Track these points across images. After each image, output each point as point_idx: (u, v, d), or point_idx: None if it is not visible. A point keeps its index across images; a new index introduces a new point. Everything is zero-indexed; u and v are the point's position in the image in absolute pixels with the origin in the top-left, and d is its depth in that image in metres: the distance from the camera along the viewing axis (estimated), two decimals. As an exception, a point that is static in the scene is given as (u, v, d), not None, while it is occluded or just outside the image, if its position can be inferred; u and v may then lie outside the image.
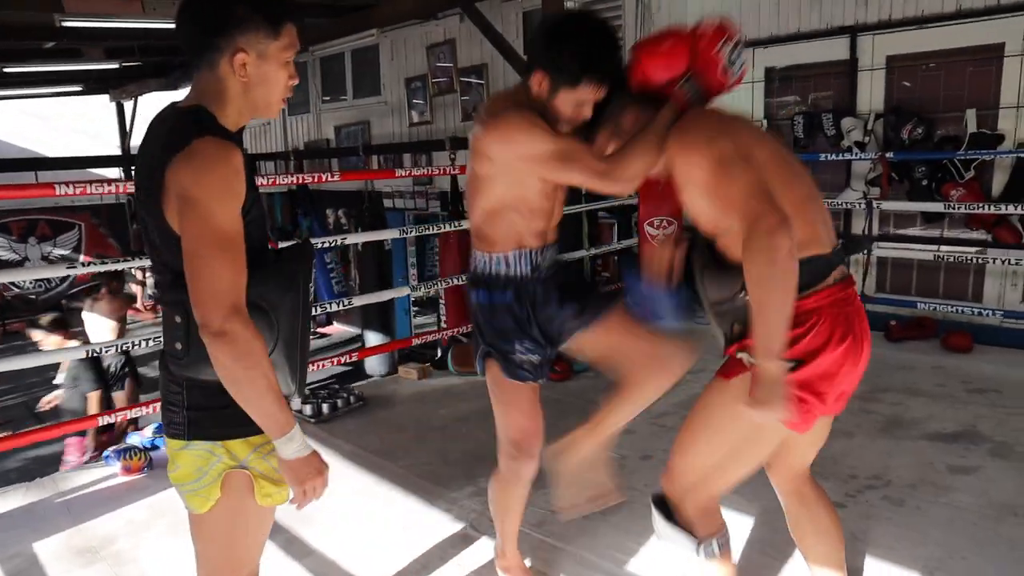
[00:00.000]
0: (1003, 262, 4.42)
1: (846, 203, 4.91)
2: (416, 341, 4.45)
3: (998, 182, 4.55)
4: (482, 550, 2.39)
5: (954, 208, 4.50)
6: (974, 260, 4.59)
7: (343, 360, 3.77)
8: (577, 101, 1.71)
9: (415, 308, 9.47)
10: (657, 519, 1.71)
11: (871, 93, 4.90)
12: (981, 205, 4.41)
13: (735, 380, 1.54)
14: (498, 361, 1.92)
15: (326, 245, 4.11)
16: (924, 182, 4.69)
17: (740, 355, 1.53)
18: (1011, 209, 4.30)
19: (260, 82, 1.31)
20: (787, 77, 5.31)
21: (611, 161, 1.70)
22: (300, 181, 4.65)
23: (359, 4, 6.81)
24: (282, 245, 1.62)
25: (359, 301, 4.41)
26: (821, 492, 1.82)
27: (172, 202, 1.24)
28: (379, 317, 8.22)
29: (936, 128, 4.69)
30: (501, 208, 1.83)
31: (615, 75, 1.72)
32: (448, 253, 6.07)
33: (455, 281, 4.47)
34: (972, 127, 4.54)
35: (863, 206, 4.85)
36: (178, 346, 1.32)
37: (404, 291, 4.55)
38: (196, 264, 1.22)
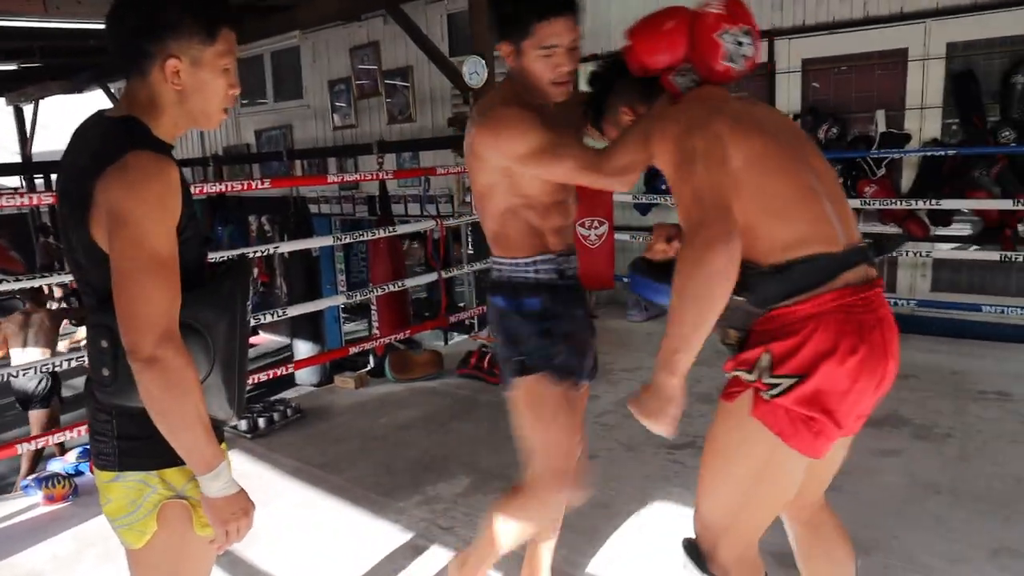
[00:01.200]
0: (914, 254, 4.67)
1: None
2: (353, 350, 4.36)
3: (907, 179, 4.81)
4: (433, 560, 2.36)
5: (868, 204, 4.73)
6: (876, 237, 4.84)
7: (279, 373, 3.66)
8: (541, 48, 1.59)
9: (344, 315, 9.32)
10: (688, 568, 1.51)
11: (788, 95, 5.10)
12: (893, 200, 4.65)
13: (737, 402, 1.40)
14: (542, 369, 1.73)
15: (256, 254, 3.97)
16: (840, 180, 4.91)
17: (737, 373, 1.39)
18: (919, 204, 4.55)
19: (196, 90, 1.23)
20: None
21: (600, 155, 1.60)
22: (228, 189, 4.50)
23: (280, 5, 6.64)
24: (216, 260, 1.53)
25: (295, 311, 4.28)
26: (836, 521, 1.65)
27: (101, 218, 1.15)
28: (309, 326, 8.03)
29: (849, 128, 4.93)
30: (514, 208, 1.73)
31: (571, 2, 1.61)
32: (379, 259, 5.99)
33: (388, 288, 4.40)
34: (882, 127, 4.79)
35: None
36: (105, 372, 1.23)
37: (339, 299, 4.44)
38: (126, 286, 1.14)
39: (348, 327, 9.06)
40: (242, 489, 1.27)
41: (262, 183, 3.71)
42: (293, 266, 8.23)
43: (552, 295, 1.76)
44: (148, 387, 1.15)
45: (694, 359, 1.28)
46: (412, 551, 2.43)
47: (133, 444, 1.25)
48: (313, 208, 8.65)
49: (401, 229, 4.81)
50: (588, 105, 1.71)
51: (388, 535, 2.53)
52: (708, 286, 1.23)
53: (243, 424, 3.46)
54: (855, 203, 4.79)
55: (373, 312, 6.48)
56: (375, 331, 6.07)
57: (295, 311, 4.20)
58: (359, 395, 4.01)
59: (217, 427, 1.30)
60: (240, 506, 1.26)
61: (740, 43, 1.46)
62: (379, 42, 7.59)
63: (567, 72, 1.64)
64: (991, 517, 2.44)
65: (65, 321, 5.62)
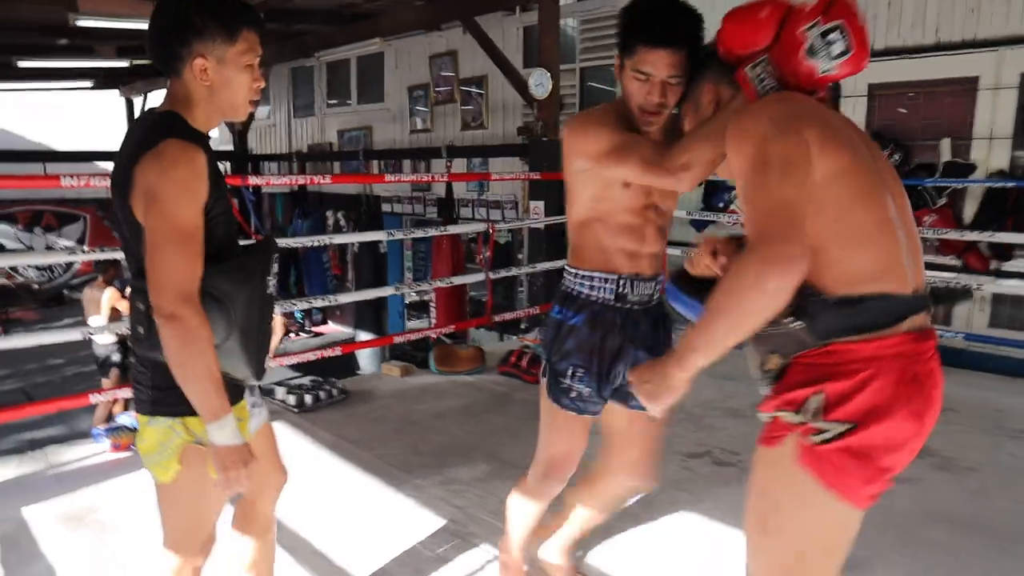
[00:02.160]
0: (975, 287, 4.57)
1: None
2: (398, 339, 4.60)
3: (969, 210, 4.71)
4: (440, 534, 2.54)
5: (927, 234, 4.66)
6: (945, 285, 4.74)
7: (324, 354, 3.92)
8: (637, 71, 1.58)
9: (412, 312, 9.65)
10: None
11: (853, 119, 5.06)
12: (952, 231, 4.57)
13: (780, 448, 1.28)
14: (548, 379, 1.84)
15: (319, 245, 4.27)
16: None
17: (780, 414, 1.27)
18: (978, 235, 4.45)
19: (222, 86, 1.40)
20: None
21: (668, 152, 1.55)
22: (293, 183, 4.82)
23: (363, 12, 7.02)
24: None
25: (345, 299, 4.55)
26: None
27: (139, 197, 1.34)
28: (372, 318, 8.43)
29: (913, 155, 4.86)
30: (588, 220, 1.76)
31: (675, 33, 1.56)
32: (440, 257, 6.26)
33: (434, 284, 4.61)
34: (946, 156, 4.71)
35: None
36: (140, 330, 1.43)
37: (389, 290, 4.67)
38: (154, 254, 1.33)
39: (413, 324, 9.40)
40: (246, 443, 1.43)
41: (323, 178, 3.97)
42: (362, 260, 8.63)
43: (599, 316, 1.77)
44: (167, 341, 1.34)
45: (708, 364, 1.23)
46: (423, 524, 2.62)
47: (164, 393, 1.44)
48: (387, 207, 9.05)
49: (452, 229, 5.03)
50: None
51: (404, 508, 2.72)
52: (753, 303, 1.14)
53: (292, 399, 3.74)
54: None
55: (432, 308, 6.77)
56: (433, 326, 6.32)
57: (346, 298, 4.46)
58: (403, 383, 4.24)
59: (236, 386, 1.50)
60: (240, 456, 1.41)
61: (829, 41, 1.31)
62: (457, 51, 7.89)
63: (656, 103, 1.61)
64: (1002, 552, 2.42)
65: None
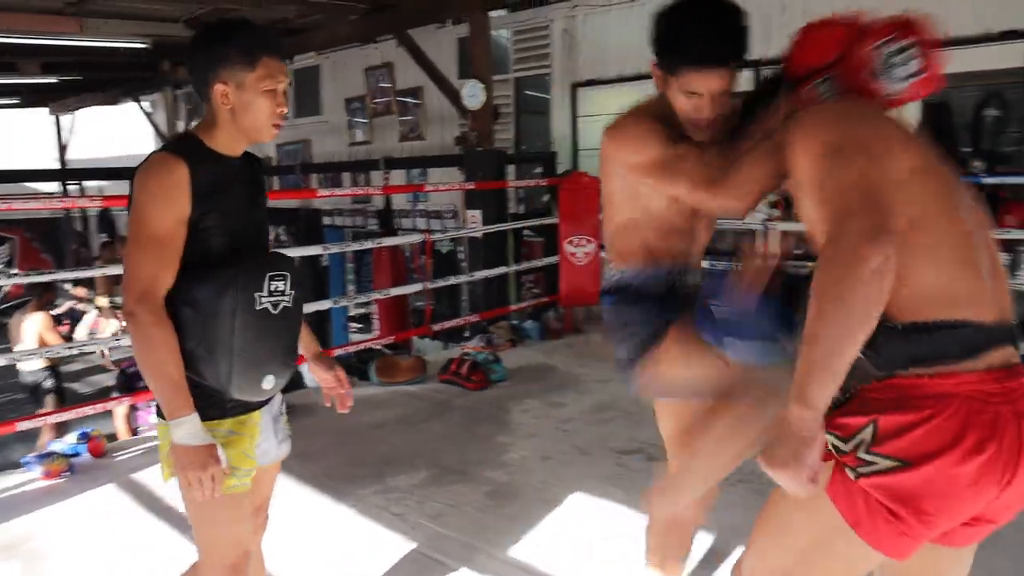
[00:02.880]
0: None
1: (748, 224, 5.27)
2: (338, 352, 4.60)
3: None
4: (378, 541, 2.57)
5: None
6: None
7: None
8: (685, 91, 1.52)
9: (357, 325, 9.60)
10: None
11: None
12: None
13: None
14: (686, 319, 1.60)
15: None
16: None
17: (827, 437, 1.12)
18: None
19: (243, 109, 1.46)
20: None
21: (721, 171, 1.46)
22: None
23: (299, 28, 7.01)
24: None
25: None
26: None
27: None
28: (315, 332, 8.34)
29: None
30: (633, 224, 1.70)
31: (725, 55, 1.50)
32: (381, 268, 6.26)
33: (373, 296, 4.63)
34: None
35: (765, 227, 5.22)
36: None
37: (327, 303, 4.66)
38: (125, 256, 1.43)
39: (357, 336, 9.35)
40: (209, 445, 1.43)
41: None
42: (303, 275, 8.55)
43: (661, 299, 1.69)
44: (132, 339, 1.42)
45: (834, 384, 1.04)
46: (362, 533, 2.65)
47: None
48: (328, 220, 9.00)
49: (388, 241, 5.07)
50: (746, 105, 1.51)
51: (343, 518, 2.75)
52: (857, 292, 0.98)
53: (231, 417, 3.72)
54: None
55: (375, 320, 6.77)
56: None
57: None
58: (344, 395, 4.25)
59: (215, 395, 1.47)
60: (199, 459, 1.41)
61: (901, 61, 1.23)
62: (393, 63, 7.93)
63: (706, 118, 1.55)
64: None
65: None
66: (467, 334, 5.37)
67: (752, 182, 1.42)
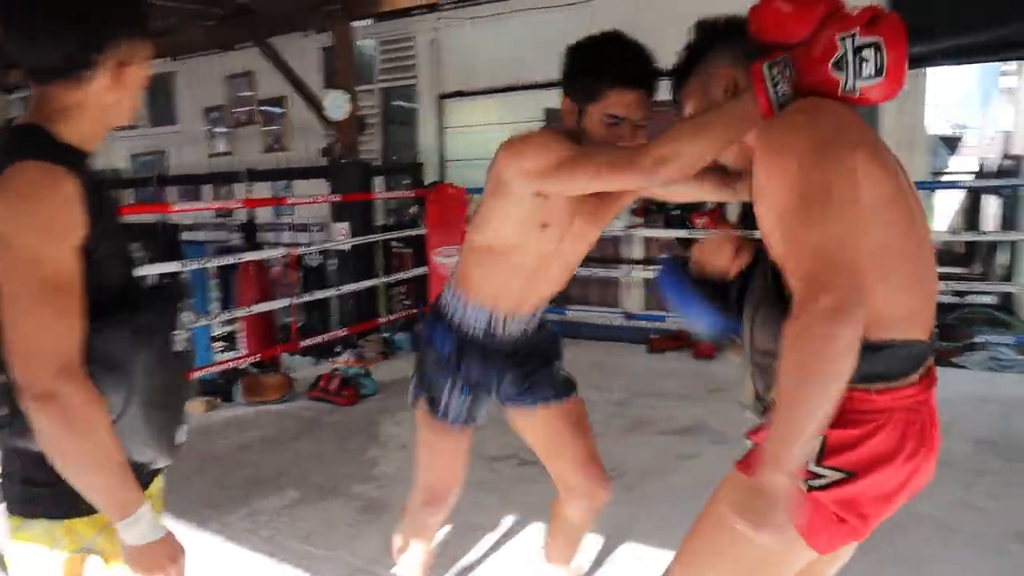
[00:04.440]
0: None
1: (612, 232, 5.51)
2: (199, 373, 4.40)
3: (733, 211, 5.32)
4: (246, 567, 2.49)
5: (700, 233, 5.20)
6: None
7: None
8: (606, 116, 1.51)
9: (223, 344, 9.16)
10: None
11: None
12: (721, 231, 5.13)
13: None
14: (426, 398, 1.77)
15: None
16: (675, 212, 5.39)
17: None
18: (747, 234, 5.04)
19: (126, 88, 1.16)
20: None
21: (642, 147, 1.35)
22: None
23: (150, 31, 6.64)
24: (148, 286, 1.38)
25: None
26: None
27: None
28: (177, 353, 7.92)
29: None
30: (482, 251, 1.67)
31: (649, 78, 1.51)
32: (246, 284, 6.03)
33: (233, 313, 4.47)
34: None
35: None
36: (2, 411, 1.10)
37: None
38: (14, 315, 1.03)
39: (223, 356, 8.93)
40: (169, 533, 1.16)
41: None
42: (161, 293, 8.09)
43: (465, 346, 1.72)
44: (44, 427, 1.04)
45: (807, 446, 1.07)
46: (229, 561, 2.55)
47: (40, 490, 1.14)
48: (188, 235, 8.56)
49: (249, 256, 4.91)
50: (682, 62, 1.37)
51: (208, 547, 2.63)
52: (832, 366, 1.00)
53: (79, 448, 3.46)
54: (682, 233, 5.27)
55: (241, 338, 6.50)
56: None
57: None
58: (206, 418, 4.06)
59: (141, 470, 1.19)
60: (165, 552, 1.15)
61: (862, 58, 1.14)
62: (254, 72, 7.67)
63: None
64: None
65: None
66: (338, 349, 5.27)
67: (678, 157, 1.28)
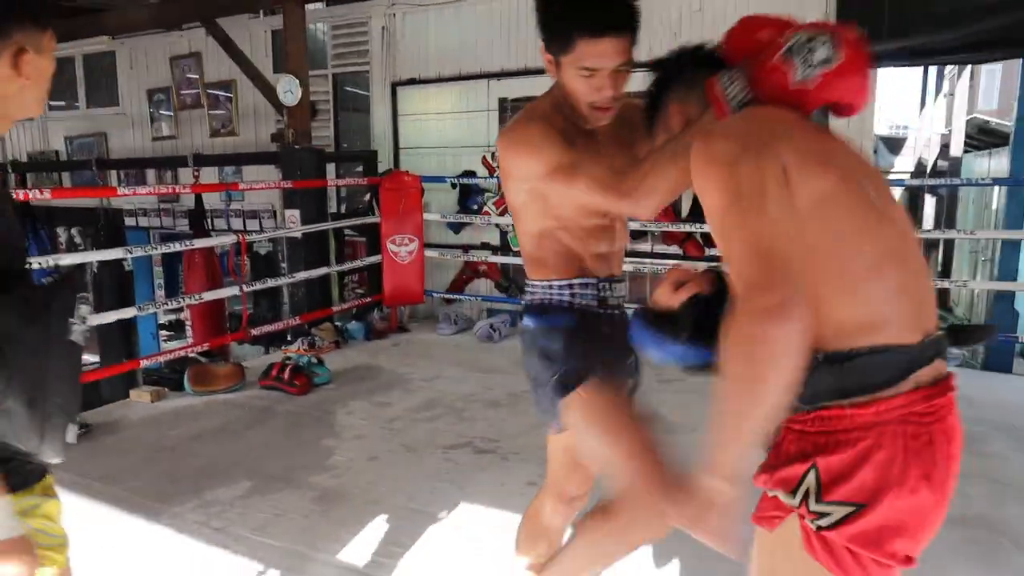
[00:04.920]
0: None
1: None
2: (145, 363, 4.30)
3: (685, 205, 5.42)
4: (198, 558, 2.46)
5: (652, 227, 5.28)
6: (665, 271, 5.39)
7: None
8: (581, 69, 1.44)
9: (169, 333, 8.95)
10: None
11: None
12: (672, 224, 5.23)
13: (780, 531, 1.10)
14: (584, 378, 1.54)
15: (46, 267, 3.84)
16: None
17: (774, 493, 1.10)
18: (695, 227, 5.15)
19: (29, 78, 1.17)
20: (519, 107, 5.88)
21: (625, 174, 1.40)
22: (24, 197, 4.31)
23: (85, 7, 6.40)
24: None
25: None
26: None
27: None
28: (120, 343, 7.68)
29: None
30: (549, 229, 1.60)
31: (621, 21, 1.42)
32: (193, 271, 5.91)
33: (196, 299, 4.38)
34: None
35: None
36: None
37: (131, 311, 4.30)
38: None
39: (171, 345, 8.72)
40: (21, 537, 1.10)
41: (40, 193, 3.61)
42: (102, 282, 7.85)
43: (587, 319, 1.62)
44: None
45: (748, 460, 1.03)
46: (179, 553, 2.51)
47: None
48: (131, 221, 8.30)
49: (199, 243, 4.81)
50: (645, 107, 1.42)
51: (160, 539, 2.58)
52: (765, 370, 0.96)
53: (19, 440, 3.35)
54: (634, 225, 5.34)
55: (188, 326, 6.36)
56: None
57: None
58: (154, 408, 3.97)
59: (23, 463, 1.16)
60: (13, 551, 1.09)
61: (811, 48, 1.13)
62: (201, 53, 7.46)
63: (609, 97, 1.48)
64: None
65: None
66: (290, 338, 5.20)
67: (655, 185, 1.37)
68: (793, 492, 1.06)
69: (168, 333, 8.93)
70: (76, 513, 2.79)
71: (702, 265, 1.49)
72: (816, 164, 1.07)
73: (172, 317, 8.62)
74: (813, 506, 1.04)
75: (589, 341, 1.60)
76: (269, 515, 2.73)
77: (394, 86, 6.37)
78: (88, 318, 1.25)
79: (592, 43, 1.41)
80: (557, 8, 1.46)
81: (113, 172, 8.16)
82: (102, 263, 7.72)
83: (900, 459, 1.02)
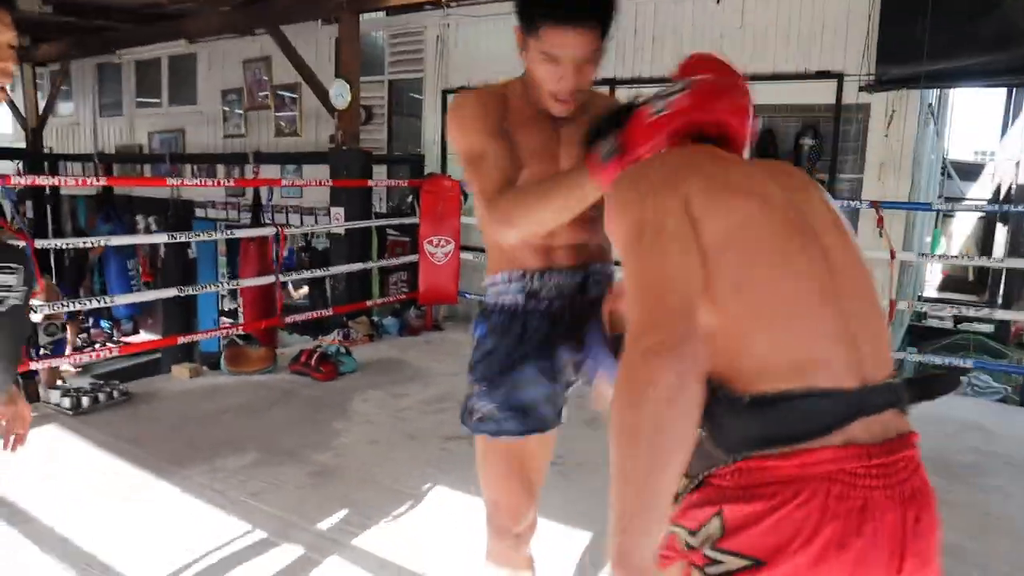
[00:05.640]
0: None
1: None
2: (181, 340, 4.63)
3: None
4: (196, 517, 2.69)
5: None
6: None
7: (101, 354, 3.90)
8: (543, 54, 1.39)
9: (229, 320, 9.43)
10: None
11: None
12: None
13: (672, 570, 1.03)
14: (471, 410, 1.58)
15: (123, 250, 4.21)
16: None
17: (676, 530, 1.00)
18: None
19: None
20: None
21: (504, 195, 1.37)
22: (83, 184, 4.72)
23: (168, 14, 6.90)
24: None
25: (132, 298, 4.53)
26: None
27: None
28: (182, 324, 8.20)
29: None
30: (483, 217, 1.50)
31: (586, 10, 1.36)
32: (247, 260, 6.27)
33: (223, 285, 4.66)
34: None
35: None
36: None
37: (172, 291, 4.64)
38: None
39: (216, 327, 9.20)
40: None
41: (97, 180, 3.96)
42: (168, 268, 8.40)
43: (505, 322, 1.54)
44: None
45: (657, 528, 0.90)
46: (180, 509, 2.75)
47: None
48: (200, 212, 8.84)
49: (239, 233, 5.13)
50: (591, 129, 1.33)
51: (167, 496, 2.84)
52: (656, 417, 0.85)
53: (66, 402, 3.70)
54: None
55: (241, 312, 6.75)
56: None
57: (123, 300, 4.42)
58: (191, 383, 4.29)
59: None
60: None
61: (669, 88, 1.18)
62: (271, 57, 7.90)
63: (568, 90, 1.42)
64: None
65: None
66: (329, 329, 5.48)
67: (522, 224, 1.35)
68: (695, 532, 0.96)
69: (228, 320, 9.42)
70: (100, 469, 3.11)
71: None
72: (729, 194, 1.00)
73: (233, 305, 9.09)
74: (707, 551, 0.94)
75: (496, 355, 1.53)
76: (267, 484, 2.95)
77: (444, 93, 6.61)
78: (16, 288, 1.32)
79: (555, 30, 1.36)
80: None
81: (187, 167, 8.72)
82: (168, 248, 8.29)
83: (814, 520, 0.88)
